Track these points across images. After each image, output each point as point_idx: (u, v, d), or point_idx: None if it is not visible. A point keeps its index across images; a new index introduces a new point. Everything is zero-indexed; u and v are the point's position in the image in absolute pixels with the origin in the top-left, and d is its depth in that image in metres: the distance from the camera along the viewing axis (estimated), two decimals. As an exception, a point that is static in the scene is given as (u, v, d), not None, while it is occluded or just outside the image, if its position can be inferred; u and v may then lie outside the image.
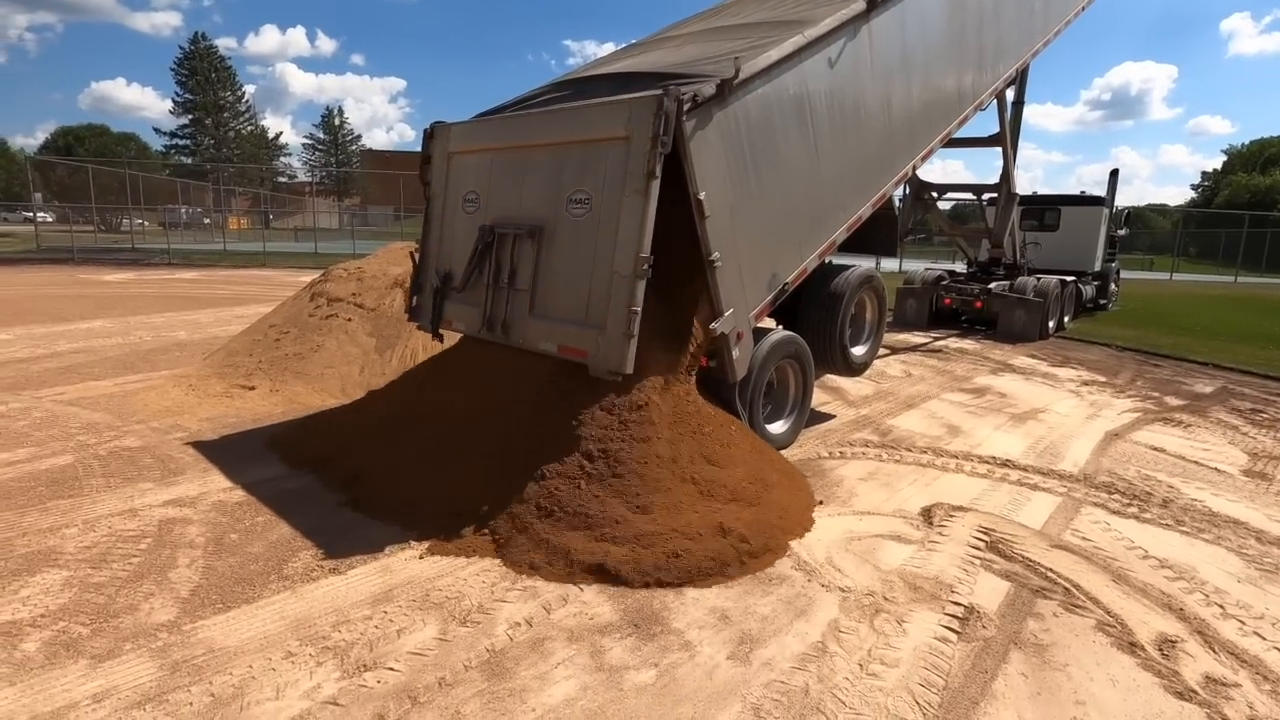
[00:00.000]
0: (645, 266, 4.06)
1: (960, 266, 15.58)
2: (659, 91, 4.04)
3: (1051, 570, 3.85)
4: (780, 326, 5.92)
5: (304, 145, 77.42)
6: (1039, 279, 12.59)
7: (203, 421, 5.99)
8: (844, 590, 3.56)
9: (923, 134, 6.99)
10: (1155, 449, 6.23)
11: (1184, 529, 4.51)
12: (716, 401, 4.94)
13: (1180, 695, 2.85)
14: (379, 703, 2.63)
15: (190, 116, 60.21)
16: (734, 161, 4.70)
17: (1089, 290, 15.34)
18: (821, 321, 6.08)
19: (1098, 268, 15.67)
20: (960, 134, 7.88)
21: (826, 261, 6.01)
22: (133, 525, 4.04)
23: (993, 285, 12.83)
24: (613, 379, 4.20)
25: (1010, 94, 10.10)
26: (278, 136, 73.99)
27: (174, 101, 60.99)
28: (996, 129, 10.09)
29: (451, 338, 5.69)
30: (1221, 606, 3.56)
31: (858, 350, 6.54)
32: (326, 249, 28.90)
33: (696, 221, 4.47)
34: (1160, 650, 3.15)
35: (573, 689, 2.75)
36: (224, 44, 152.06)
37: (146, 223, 37.50)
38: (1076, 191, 16.00)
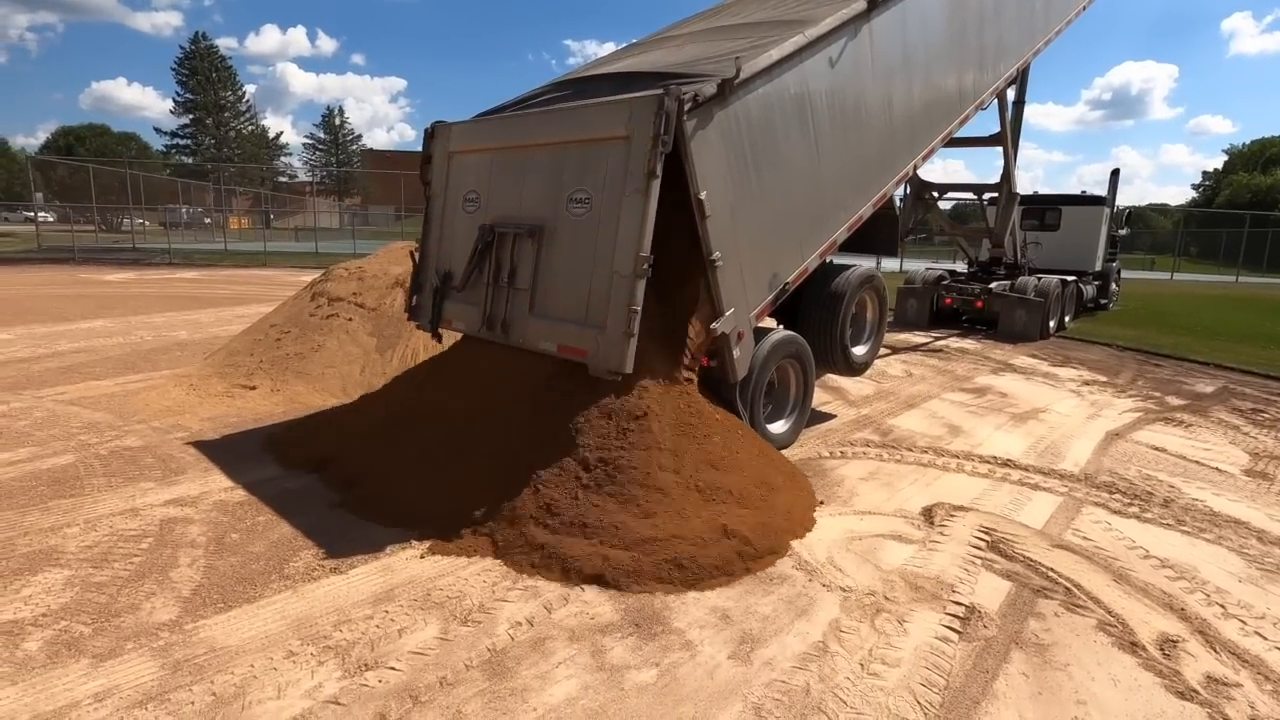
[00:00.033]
0: (645, 266, 4.06)
1: (961, 266, 15.56)
2: (660, 91, 4.04)
3: (1053, 570, 3.84)
4: (781, 326, 5.91)
5: (304, 145, 77.56)
6: (1040, 279, 12.58)
7: (204, 421, 6.00)
8: (845, 590, 3.56)
9: (923, 133, 6.99)
10: (1156, 449, 6.23)
11: (1185, 529, 4.50)
12: (717, 401, 4.94)
13: (1181, 695, 2.85)
14: (380, 702, 2.64)
15: (191, 116, 60.26)
16: (735, 161, 4.70)
17: (1090, 290, 15.32)
18: (822, 321, 6.08)
19: (1098, 267, 15.65)
20: (961, 133, 7.88)
21: (827, 261, 6.00)
22: (134, 525, 4.05)
23: (993, 285, 12.81)
24: (613, 378, 4.20)
25: (1011, 93, 10.10)
26: (278, 136, 73.94)
27: (175, 101, 61.18)
28: (997, 128, 10.10)
29: (451, 337, 5.69)
30: (1223, 606, 3.56)
31: (858, 350, 6.54)
32: (327, 249, 28.91)
33: (697, 221, 4.47)
34: (1162, 650, 3.15)
35: (574, 688, 2.75)
36: (224, 44, 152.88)
37: (147, 222, 37.54)
38: (1077, 191, 15.99)
